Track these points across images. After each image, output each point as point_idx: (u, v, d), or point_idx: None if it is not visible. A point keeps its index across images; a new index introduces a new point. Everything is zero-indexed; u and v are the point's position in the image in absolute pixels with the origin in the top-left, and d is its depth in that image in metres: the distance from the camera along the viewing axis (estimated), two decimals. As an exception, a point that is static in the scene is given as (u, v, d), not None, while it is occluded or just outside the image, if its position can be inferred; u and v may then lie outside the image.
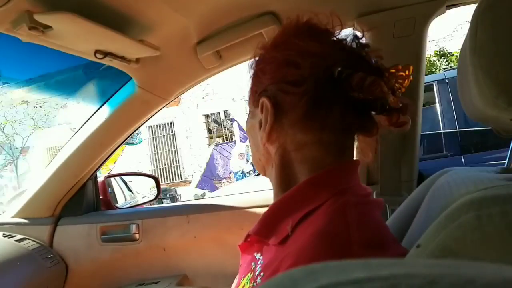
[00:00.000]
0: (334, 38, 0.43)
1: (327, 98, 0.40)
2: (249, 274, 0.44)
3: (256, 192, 1.18)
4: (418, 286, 0.11)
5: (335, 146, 0.43)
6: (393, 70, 0.42)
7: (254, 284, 0.41)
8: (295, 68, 0.41)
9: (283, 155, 0.44)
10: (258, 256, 0.44)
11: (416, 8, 0.80)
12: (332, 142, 0.43)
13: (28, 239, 1.17)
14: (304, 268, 0.14)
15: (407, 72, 0.42)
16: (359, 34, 0.44)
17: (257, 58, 0.48)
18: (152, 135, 8.97)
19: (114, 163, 7.92)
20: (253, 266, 0.44)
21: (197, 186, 8.30)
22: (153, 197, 1.52)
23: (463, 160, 2.15)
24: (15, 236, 1.17)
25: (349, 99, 0.40)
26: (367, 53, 0.42)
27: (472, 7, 0.37)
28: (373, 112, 0.42)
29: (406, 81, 0.43)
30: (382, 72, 0.41)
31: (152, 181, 1.62)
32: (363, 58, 0.42)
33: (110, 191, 1.42)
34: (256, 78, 0.47)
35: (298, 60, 0.41)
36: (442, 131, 2.26)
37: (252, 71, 0.49)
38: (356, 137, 0.46)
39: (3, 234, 1.17)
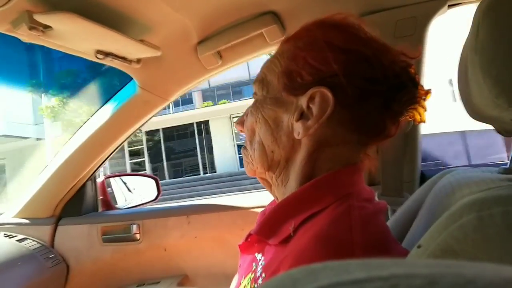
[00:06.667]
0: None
1: (378, 103, 0.41)
2: (249, 274, 0.43)
3: (257, 192, 1.18)
4: (418, 286, 0.11)
5: (360, 148, 0.44)
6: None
7: (256, 285, 0.40)
8: (369, 67, 0.40)
9: (316, 149, 0.42)
10: (259, 256, 0.44)
11: (417, 7, 0.80)
12: (361, 145, 0.44)
13: (29, 239, 1.17)
14: (304, 268, 0.14)
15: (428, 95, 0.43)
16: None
17: (302, 42, 0.44)
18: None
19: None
20: (254, 267, 0.44)
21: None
22: (153, 198, 1.52)
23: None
24: (16, 236, 1.17)
25: (389, 108, 0.41)
26: (413, 69, 0.43)
27: (474, 7, 0.37)
28: None
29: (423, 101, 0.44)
30: (418, 88, 0.42)
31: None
32: (413, 76, 0.43)
33: (110, 192, 1.41)
34: (306, 64, 0.42)
35: (373, 59, 0.40)
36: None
37: (290, 53, 0.44)
38: None
39: (4, 234, 1.18)
